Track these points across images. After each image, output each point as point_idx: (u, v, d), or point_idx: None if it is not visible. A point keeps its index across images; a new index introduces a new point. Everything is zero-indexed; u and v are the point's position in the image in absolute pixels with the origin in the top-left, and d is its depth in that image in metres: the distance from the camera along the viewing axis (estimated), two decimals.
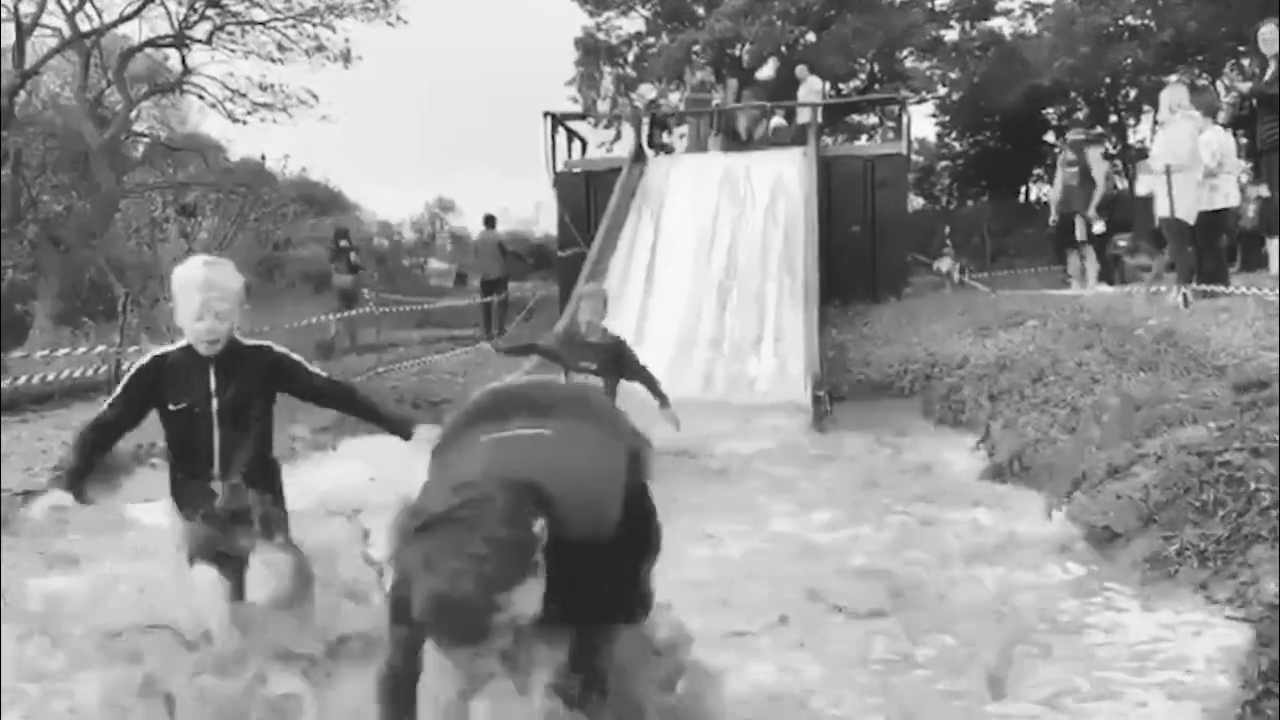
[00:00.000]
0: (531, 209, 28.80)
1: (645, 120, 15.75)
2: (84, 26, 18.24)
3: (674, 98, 18.01)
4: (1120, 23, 24.36)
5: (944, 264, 17.99)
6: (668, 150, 16.04)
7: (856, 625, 3.53)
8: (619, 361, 6.30)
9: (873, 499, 5.45)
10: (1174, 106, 9.28)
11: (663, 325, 11.69)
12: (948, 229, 19.70)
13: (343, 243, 16.57)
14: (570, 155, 16.20)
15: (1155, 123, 9.93)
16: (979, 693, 2.95)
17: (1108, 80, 25.74)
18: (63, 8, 17.87)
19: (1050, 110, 27.59)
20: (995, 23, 28.69)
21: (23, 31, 17.47)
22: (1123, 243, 11.99)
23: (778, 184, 13.90)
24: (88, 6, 18.24)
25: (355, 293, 15.99)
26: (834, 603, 3.71)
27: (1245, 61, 11.25)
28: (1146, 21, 24.14)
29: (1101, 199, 11.84)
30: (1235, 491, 3.87)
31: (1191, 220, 9.05)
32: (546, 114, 15.61)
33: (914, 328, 11.00)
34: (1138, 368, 6.14)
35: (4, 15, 17.57)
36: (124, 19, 18.65)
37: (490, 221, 17.25)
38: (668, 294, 12.37)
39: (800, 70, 17.10)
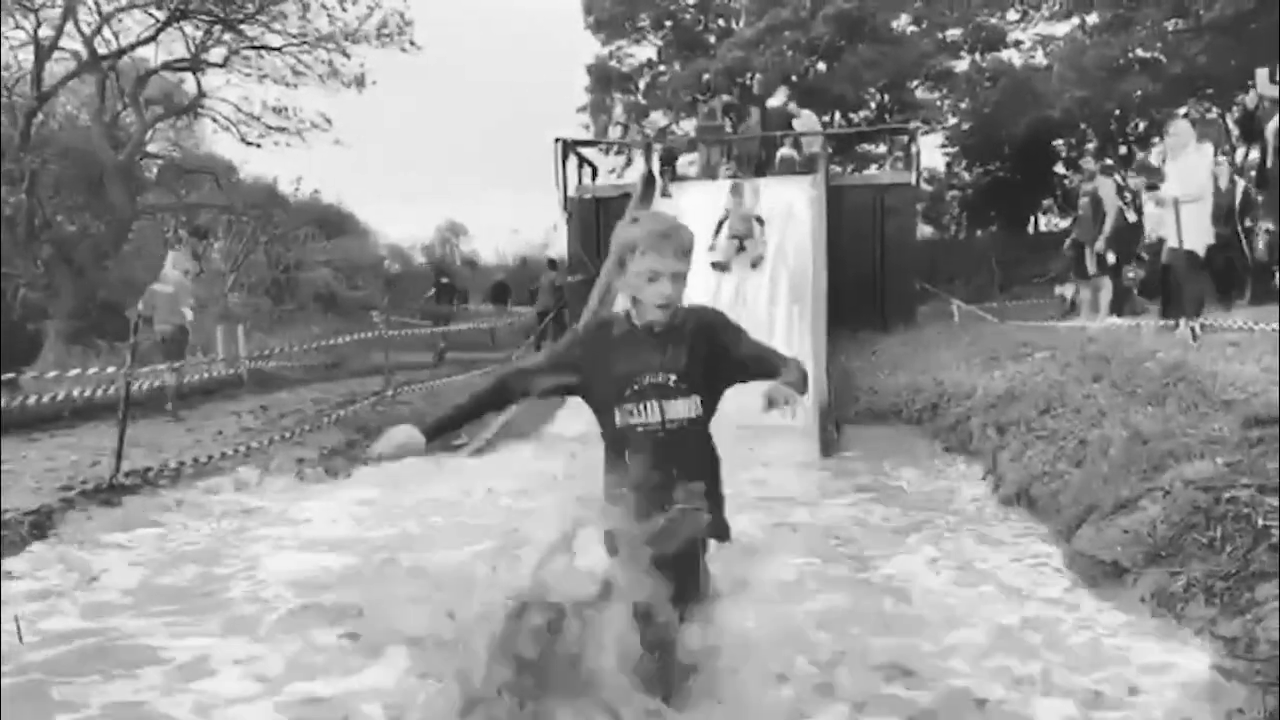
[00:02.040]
0: (542, 233, 29.04)
1: (656, 156, 15.80)
2: (101, 50, 18.44)
3: (685, 125, 18.14)
4: (1130, 55, 24.47)
5: (1068, 289, 16.91)
6: (676, 177, 16.06)
7: None
8: (716, 348, 2.95)
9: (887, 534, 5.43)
10: (1178, 143, 9.32)
11: None
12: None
13: (443, 280, 19.35)
14: (581, 181, 16.29)
15: (1163, 156, 9.97)
16: None
17: (1117, 112, 25.83)
18: (80, 31, 18.08)
19: (1060, 141, 27.67)
20: (1005, 54, 28.87)
21: (42, 54, 17.67)
22: (1131, 274, 11.98)
23: (787, 212, 13.95)
24: (105, 30, 18.46)
25: (450, 317, 18.23)
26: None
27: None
28: (1157, 54, 24.24)
29: (1113, 230, 11.87)
30: (1243, 528, 3.84)
31: (1202, 252, 9.06)
32: (558, 140, 15.71)
33: (922, 356, 11.00)
34: (1146, 401, 6.11)
35: (24, 39, 17.82)
36: (141, 43, 18.86)
37: (552, 264, 19.23)
38: None
39: (793, 107, 17.17)
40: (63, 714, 3.21)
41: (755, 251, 13.37)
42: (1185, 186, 9.05)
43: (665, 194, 15.06)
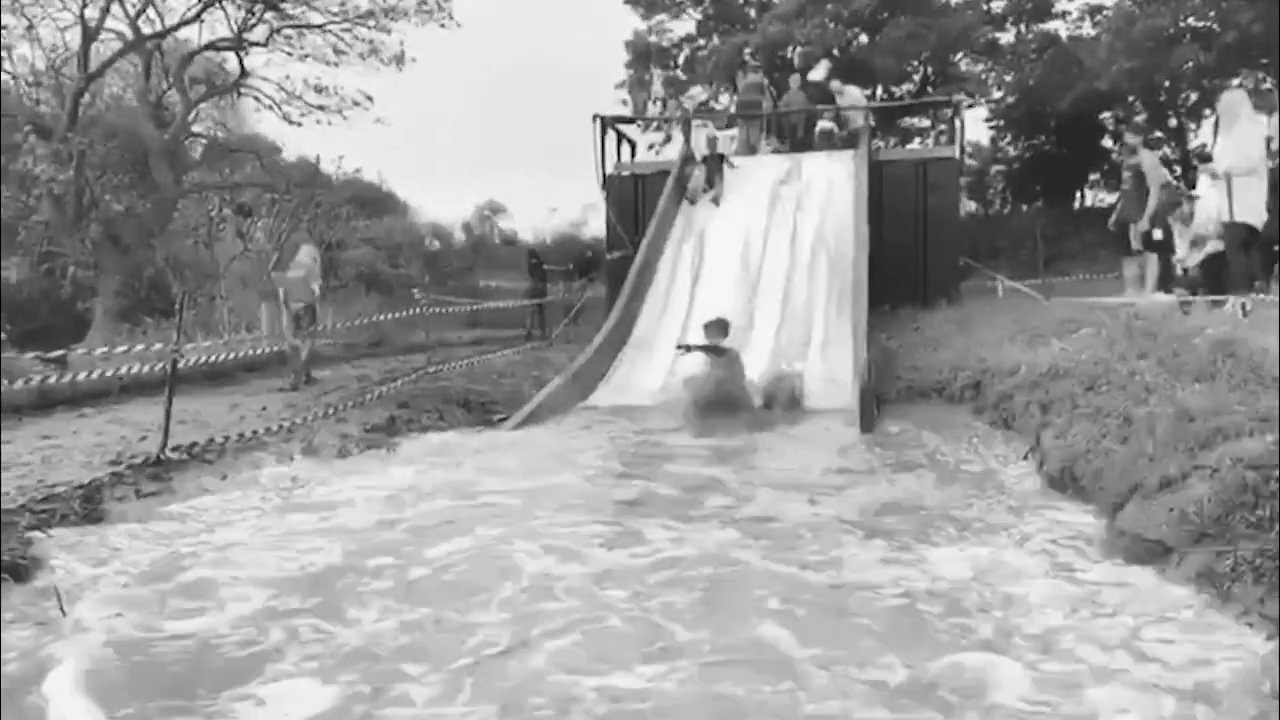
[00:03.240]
0: (580, 211, 29.00)
1: (702, 139, 15.48)
2: (146, 30, 18.63)
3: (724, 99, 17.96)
4: (1181, 24, 23.90)
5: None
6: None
7: None
8: None
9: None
10: (1231, 113, 9.10)
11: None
12: None
13: (533, 260, 20.24)
14: (619, 158, 16.23)
15: (1215, 127, 9.72)
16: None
17: (1167, 83, 25.26)
18: (126, 12, 18.27)
19: (1107, 114, 27.14)
20: (1052, 25, 28.33)
21: (88, 35, 17.88)
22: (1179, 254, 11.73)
23: (829, 187, 13.82)
24: (150, 10, 18.64)
25: (543, 293, 19.32)
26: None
27: None
28: (1209, 23, 23.66)
29: (1158, 205, 11.61)
30: None
31: (1259, 225, 8.85)
32: (596, 117, 15.64)
33: (965, 333, 10.88)
34: (1194, 378, 6.00)
35: (71, 20, 18.08)
36: (184, 23, 19.02)
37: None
38: (715, 296, 12.34)
39: (835, 84, 16.86)
40: (122, 687, 3.28)
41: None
42: (1238, 158, 8.85)
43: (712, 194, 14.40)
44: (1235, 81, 21.32)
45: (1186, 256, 10.72)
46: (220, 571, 4.44)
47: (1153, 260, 11.87)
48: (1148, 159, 12.21)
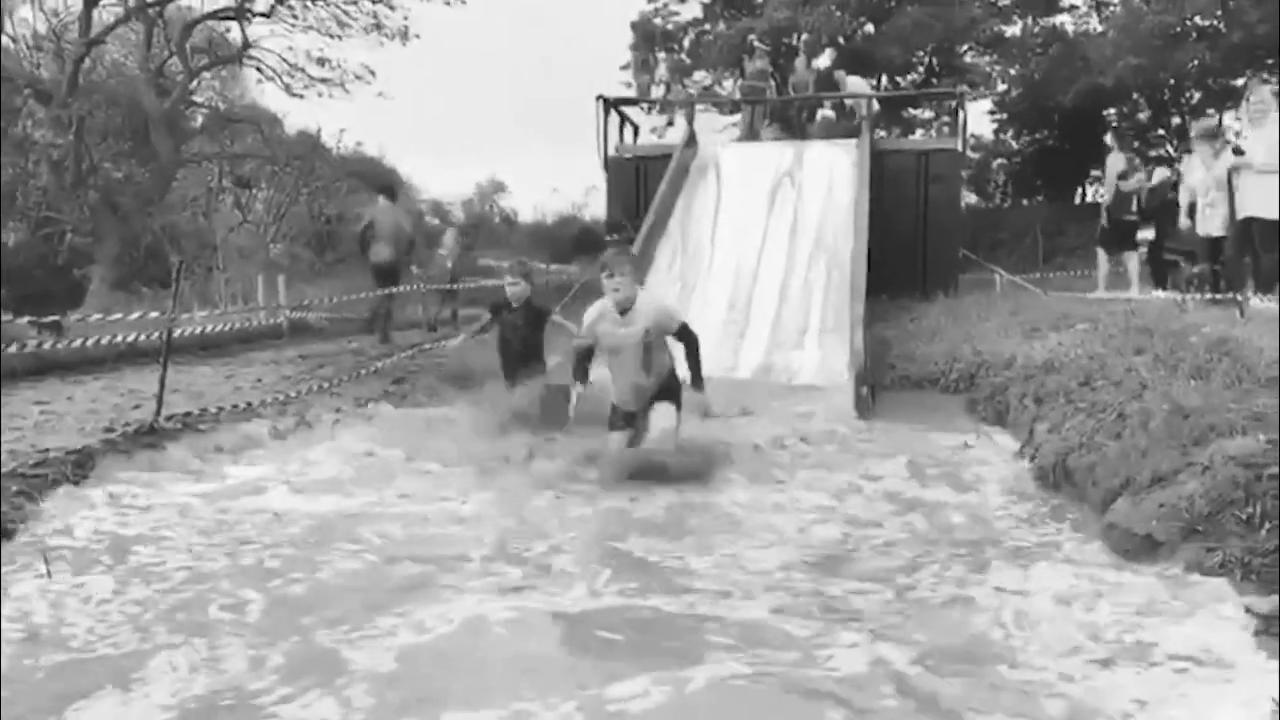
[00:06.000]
0: (582, 191, 28.98)
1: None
2: None
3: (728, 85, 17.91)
4: (1188, 22, 23.84)
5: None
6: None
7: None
8: None
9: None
10: (1260, 110, 9.11)
11: (706, 313, 11.66)
12: None
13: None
14: (622, 140, 16.17)
15: (1237, 120, 9.72)
16: None
17: (1171, 81, 25.22)
18: None
19: (1111, 110, 27.10)
20: (1058, 19, 28.26)
21: (90, 1, 17.78)
22: (1171, 256, 11.85)
23: (830, 175, 13.79)
24: None
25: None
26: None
27: None
28: (1215, 22, 23.61)
29: (1144, 203, 11.86)
30: None
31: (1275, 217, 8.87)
32: (600, 98, 15.58)
33: (962, 325, 10.88)
34: (1188, 375, 6.02)
35: None
36: None
37: None
38: (712, 282, 12.34)
39: (839, 75, 16.78)
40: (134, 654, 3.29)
41: None
42: (1269, 155, 8.82)
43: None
44: (1241, 81, 21.33)
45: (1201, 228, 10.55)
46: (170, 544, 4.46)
47: (1131, 257, 12.01)
48: (1111, 161, 12.47)
